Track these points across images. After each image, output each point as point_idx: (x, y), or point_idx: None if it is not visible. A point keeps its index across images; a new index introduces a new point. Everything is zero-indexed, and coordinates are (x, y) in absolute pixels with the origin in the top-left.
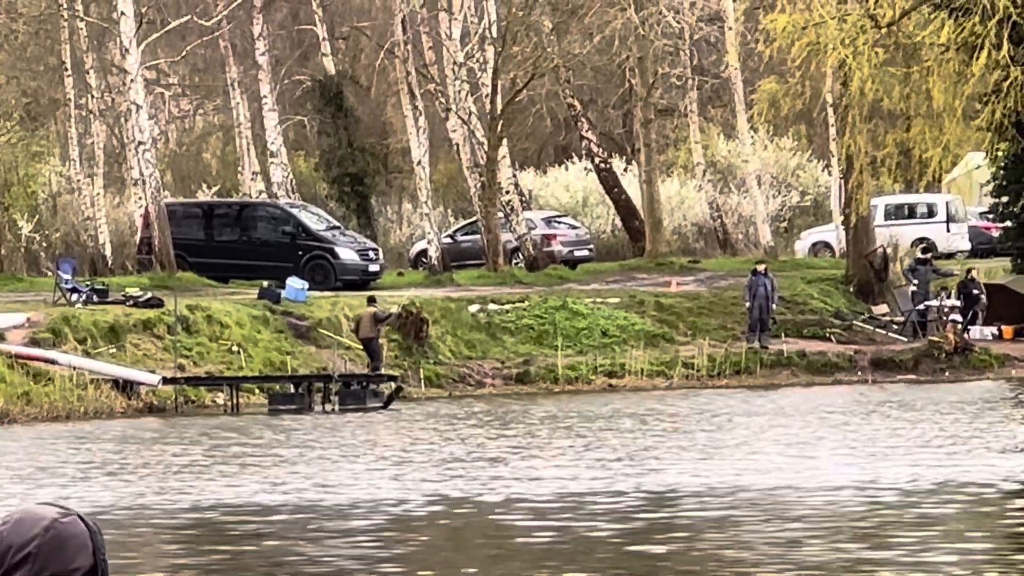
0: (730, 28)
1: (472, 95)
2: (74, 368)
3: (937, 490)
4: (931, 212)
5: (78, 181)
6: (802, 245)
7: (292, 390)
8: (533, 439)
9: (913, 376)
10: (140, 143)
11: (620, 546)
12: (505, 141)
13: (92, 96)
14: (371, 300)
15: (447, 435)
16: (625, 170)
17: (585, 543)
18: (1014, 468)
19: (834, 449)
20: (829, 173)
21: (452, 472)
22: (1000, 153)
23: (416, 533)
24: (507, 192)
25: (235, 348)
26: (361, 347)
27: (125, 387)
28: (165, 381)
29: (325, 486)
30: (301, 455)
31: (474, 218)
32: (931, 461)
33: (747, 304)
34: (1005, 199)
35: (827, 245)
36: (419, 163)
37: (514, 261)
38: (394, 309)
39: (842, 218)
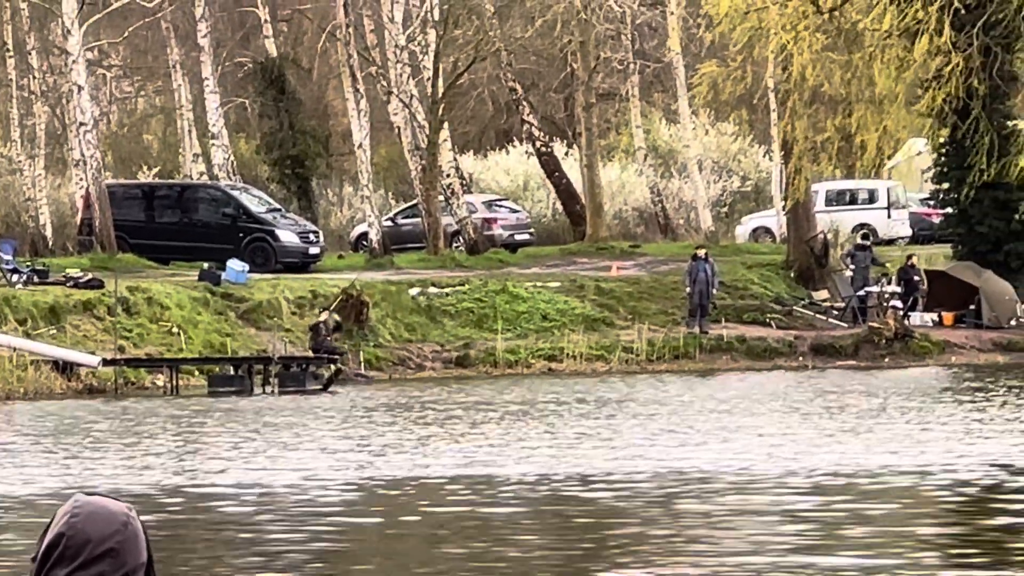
0: (672, 12)
1: (414, 78)
2: (14, 349)
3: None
4: (872, 198)
5: (19, 162)
6: (743, 230)
7: (232, 372)
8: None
9: (853, 362)
10: (81, 124)
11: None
12: (446, 124)
13: (34, 77)
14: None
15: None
16: (566, 154)
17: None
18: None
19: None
20: (770, 158)
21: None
22: (941, 139)
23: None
24: (448, 175)
25: (175, 330)
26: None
27: (65, 368)
28: (105, 363)
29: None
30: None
31: (415, 201)
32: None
33: (687, 289)
34: (946, 185)
35: (768, 231)
36: (360, 146)
37: (454, 244)
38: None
39: (783, 204)
